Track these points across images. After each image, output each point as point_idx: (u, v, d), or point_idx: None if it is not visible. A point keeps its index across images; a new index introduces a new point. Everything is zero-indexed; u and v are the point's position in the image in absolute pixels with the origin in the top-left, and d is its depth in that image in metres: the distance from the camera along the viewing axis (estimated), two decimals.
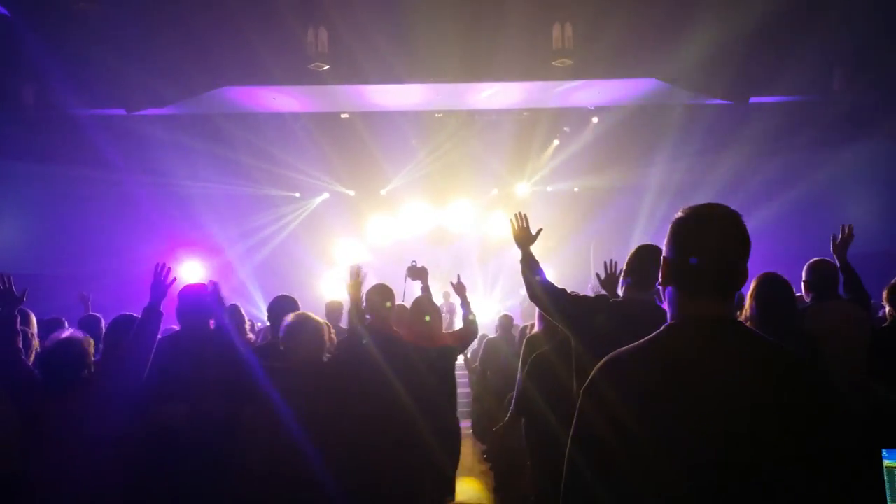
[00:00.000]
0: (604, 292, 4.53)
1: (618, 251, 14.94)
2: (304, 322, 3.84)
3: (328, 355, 4.36)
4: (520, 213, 3.93)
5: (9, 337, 3.53)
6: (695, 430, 1.54)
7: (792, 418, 1.52)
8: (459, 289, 5.32)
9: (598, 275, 4.58)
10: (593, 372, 1.72)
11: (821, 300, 4.24)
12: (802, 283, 4.38)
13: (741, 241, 1.72)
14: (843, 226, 4.67)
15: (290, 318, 3.96)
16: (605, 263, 4.52)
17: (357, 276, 4.20)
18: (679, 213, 1.78)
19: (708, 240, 1.71)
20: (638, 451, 1.55)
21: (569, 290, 3.56)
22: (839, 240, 4.64)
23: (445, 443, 4.46)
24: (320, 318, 5.46)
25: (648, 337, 1.72)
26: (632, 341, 2.21)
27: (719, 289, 1.70)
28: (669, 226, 1.79)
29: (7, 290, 3.64)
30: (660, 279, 1.79)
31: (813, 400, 1.56)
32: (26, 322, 5.03)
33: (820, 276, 4.32)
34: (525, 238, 3.82)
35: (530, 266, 3.68)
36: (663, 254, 1.79)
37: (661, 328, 1.73)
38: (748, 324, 3.54)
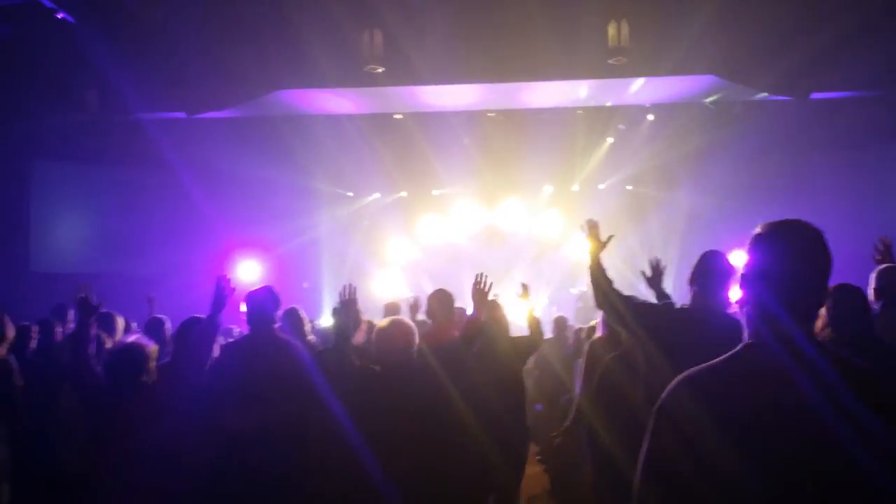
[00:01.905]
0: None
1: (672, 252, 14.73)
2: (396, 326, 3.86)
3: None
4: (591, 220, 3.93)
5: (83, 344, 3.65)
6: (779, 461, 1.48)
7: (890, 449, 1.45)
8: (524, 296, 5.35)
9: (643, 272, 4.56)
10: (666, 392, 1.66)
11: (891, 307, 4.10)
12: (871, 290, 4.24)
13: (823, 259, 1.66)
14: (878, 241, 4.53)
15: (384, 322, 3.98)
16: (650, 261, 4.52)
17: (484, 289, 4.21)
18: (758, 229, 1.73)
19: (789, 257, 1.66)
20: (717, 482, 1.49)
21: (636, 298, 3.55)
22: (879, 255, 4.50)
23: (510, 457, 4.43)
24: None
25: (725, 356, 1.65)
26: (702, 348, 2.16)
27: (801, 308, 1.63)
28: (748, 241, 1.74)
29: (85, 298, 3.76)
30: (739, 297, 1.75)
31: None
32: (111, 326, 5.24)
33: (890, 282, 4.17)
34: (596, 245, 3.83)
35: (600, 273, 3.68)
36: (742, 270, 1.75)
37: (740, 347, 1.66)
38: (822, 336, 3.45)
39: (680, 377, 1.67)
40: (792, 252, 1.66)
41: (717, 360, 1.66)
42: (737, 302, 1.77)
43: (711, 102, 13.11)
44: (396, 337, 3.74)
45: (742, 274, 1.74)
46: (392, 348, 3.72)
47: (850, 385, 1.54)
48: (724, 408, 1.55)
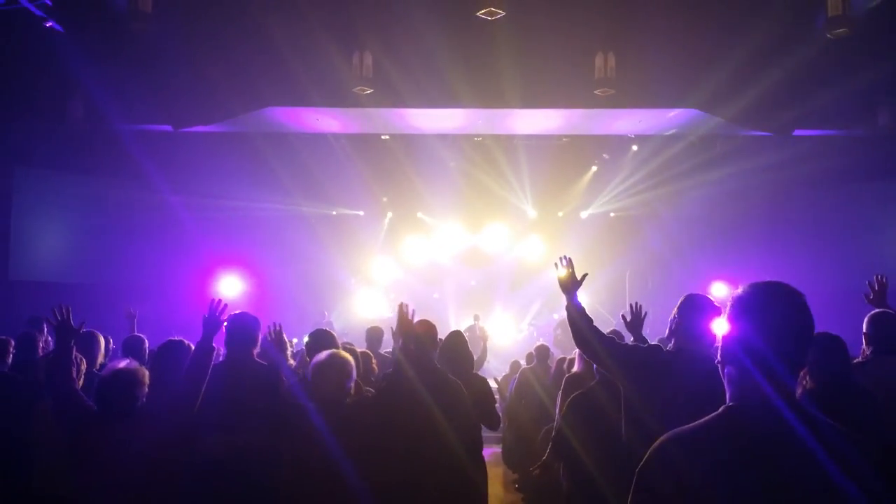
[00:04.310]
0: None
1: (654, 279, 14.77)
2: (331, 360, 3.78)
3: (369, 389, 4.38)
4: (564, 257, 3.81)
5: (65, 369, 3.56)
6: None
7: None
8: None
9: (623, 316, 4.49)
10: (648, 455, 1.65)
11: (881, 354, 4.08)
12: (863, 336, 4.23)
13: (806, 320, 1.67)
14: (874, 279, 4.54)
15: (320, 355, 3.89)
16: (631, 305, 4.41)
17: (405, 315, 4.20)
18: (740, 291, 1.72)
19: (773, 319, 1.66)
20: None
21: (615, 338, 3.52)
22: (872, 296, 4.49)
23: (483, 476, 4.44)
24: (358, 348, 5.49)
25: (707, 418, 1.64)
26: (684, 396, 2.14)
27: (785, 369, 1.63)
28: (730, 303, 1.74)
29: (65, 321, 3.66)
30: (718, 357, 1.74)
31: None
32: (93, 345, 5.12)
33: (880, 328, 4.13)
34: (571, 283, 3.70)
35: (577, 313, 3.56)
36: (724, 331, 1.75)
37: (722, 409, 1.66)
38: (803, 387, 3.43)
39: (662, 439, 1.65)
40: (777, 313, 1.67)
41: (700, 422, 1.64)
42: (717, 362, 1.76)
43: (695, 137, 13.27)
44: (330, 375, 3.70)
45: (724, 335, 1.74)
46: (327, 385, 3.68)
47: (853, 452, 1.54)
48: (708, 476, 1.53)
